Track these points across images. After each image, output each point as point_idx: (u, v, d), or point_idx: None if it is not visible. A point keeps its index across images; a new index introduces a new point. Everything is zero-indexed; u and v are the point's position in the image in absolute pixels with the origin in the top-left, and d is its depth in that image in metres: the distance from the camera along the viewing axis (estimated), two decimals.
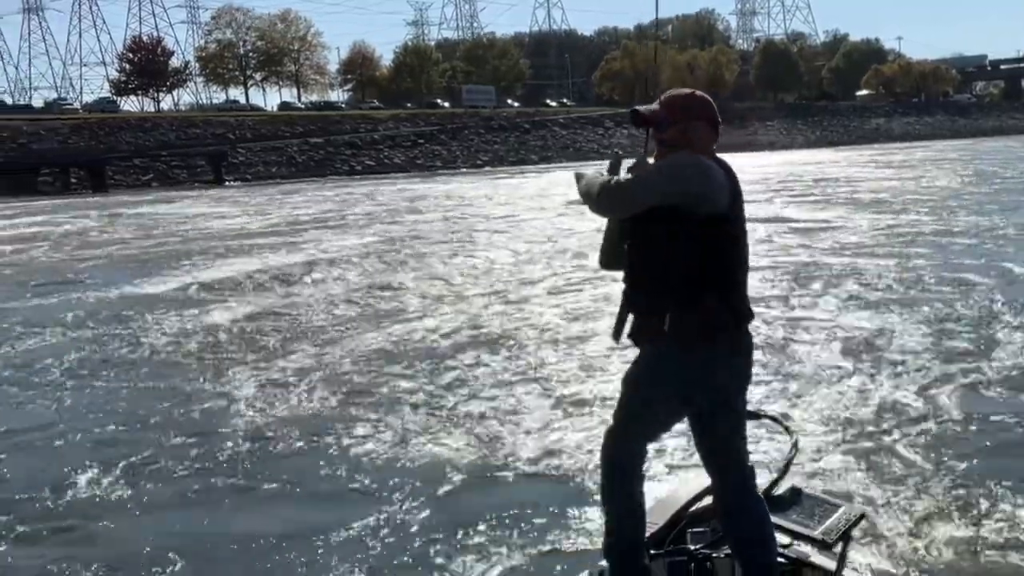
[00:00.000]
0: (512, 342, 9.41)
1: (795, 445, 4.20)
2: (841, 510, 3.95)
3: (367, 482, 5.66)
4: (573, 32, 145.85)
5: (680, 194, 3.20)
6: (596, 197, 3.35)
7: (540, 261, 15.92)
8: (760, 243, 16.06)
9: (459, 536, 4.82)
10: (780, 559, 3.55)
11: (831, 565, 3.67)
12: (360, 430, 6.66)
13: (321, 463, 6.03)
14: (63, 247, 22.13)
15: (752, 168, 43.22)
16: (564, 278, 13.78)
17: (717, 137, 3.46)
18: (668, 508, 3.94)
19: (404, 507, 5.23)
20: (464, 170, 71.44)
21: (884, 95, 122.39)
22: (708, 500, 3.79)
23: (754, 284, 9.99)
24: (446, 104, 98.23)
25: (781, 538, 3.64)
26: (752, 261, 3.51)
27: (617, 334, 3.48)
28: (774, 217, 21.59)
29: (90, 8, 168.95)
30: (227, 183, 63.54)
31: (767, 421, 4.70)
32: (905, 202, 24.85)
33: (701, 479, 3.93)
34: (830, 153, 71.26)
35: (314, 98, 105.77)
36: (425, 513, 5.14)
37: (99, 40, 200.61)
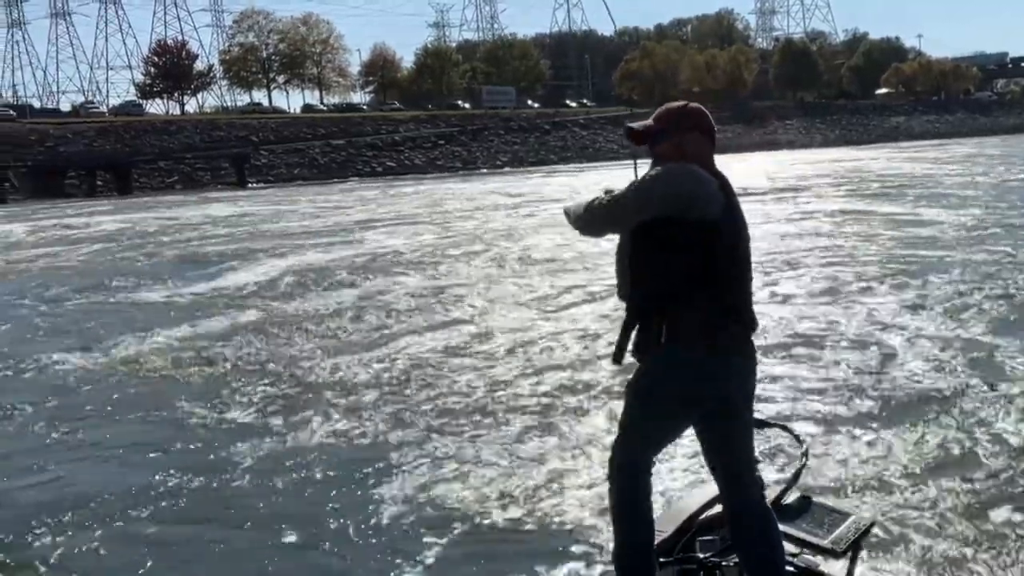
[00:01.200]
0: None
1: (805, 454, 4.15)
2: (851, 519, 3.90)
3: None
4: (593, 32, 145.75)
5: (673, 197, 3.19)
6: (588, 216, 3.37)
7: None
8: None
9: None
10: (789, 568, 3.52)
11: (841, 574, 3.64)
12: None
13: None
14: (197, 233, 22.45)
15: (803, 165, 43.35)
16: None
17: (713, 147, 3.44)
18: (677, 516, 3.92)
19: None
20: (484, 171, 71.62)
21: (904, 93, 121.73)
22: (717, 508, 3.77)
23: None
24: (466, 105, 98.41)
25: (790, 547, 3.60)
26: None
27: (618, 356, 3.42)
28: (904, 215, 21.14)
29: (116, 13, 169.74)
30: (250, 185, 63.94)
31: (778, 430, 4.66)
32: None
33: (710, 487, 3.93)
34: (856, 151, 70.27)
35: (336, 100, 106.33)
36: None
37: (125, 44, 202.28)
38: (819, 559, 3.66)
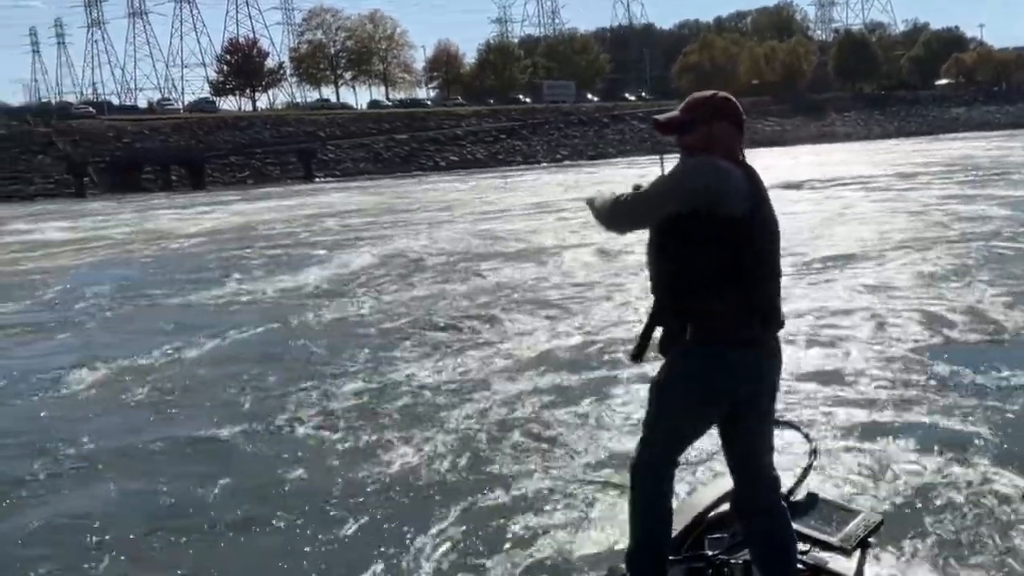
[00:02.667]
0: None
1: (814, 452, 4.10)
2: (860, 517, 3.87)
3: None
4: (652, 26, 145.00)
5: (696, 192, 3.12)
6: (613, 210, 3.29)
7: None
8: None
9: None
10: (799, 565, 3.49)
11: (850, 571, 3.60)
12: None
13: None
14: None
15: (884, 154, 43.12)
16: None
17: (742, 137, 3.35)
18: (686, 514, 3.87)
19: None
20: (544, 164, 71.82)
21: (964, 84, 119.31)
22: (726, 506, 3.74)
23: None
24: (527, 100, 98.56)
25: (799, 544, 3.55)
26: None
27: (638, 354, 3.39)
28: None
29: (191, 11, 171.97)
30: (316, 179, 64.86)
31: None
32: None
33: (719, 485, 3.96)
34: (926, 143, 68.28)
35: (401, 96, 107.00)
36: None
37: (199, 42, 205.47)
38: (828, 556, 3.63)
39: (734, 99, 3.36)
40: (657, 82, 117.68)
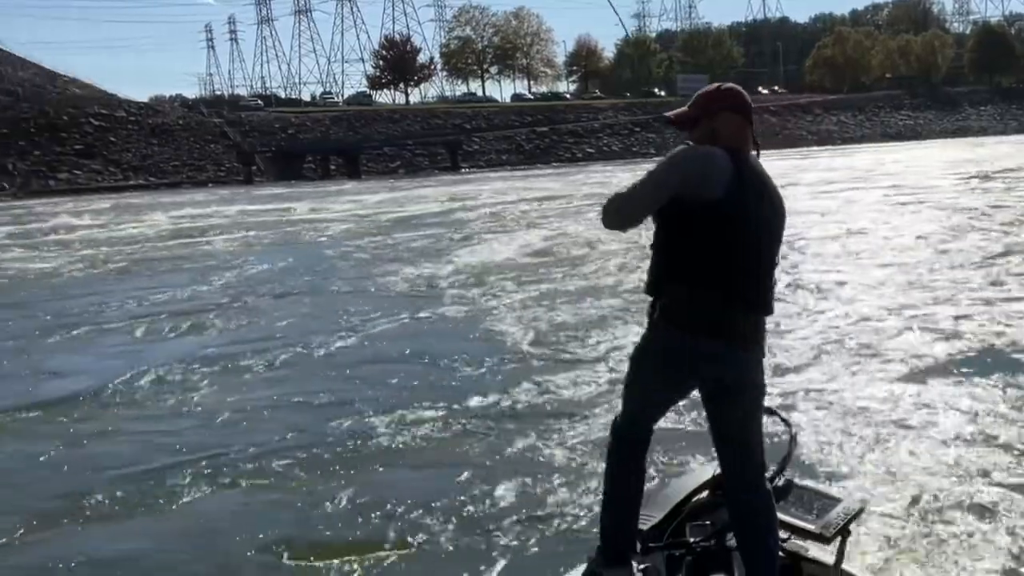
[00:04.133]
0: None
1: (794, 438, 3.89)
2: (841, 504, 3.67)
3: None
4: (787, 20, 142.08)
5: (682, 176, 3.06)
6: (611, 205, 3.15)
7: None
8: None
9: None
10: (779, 552, 3.35)
11: (830, 559, 3.50)
12: None
13: None
14: None
15: None
16: None
17: (750, 125, 3.25)
18: (668, 501, 3.73)
19: None
20: None
21: None
22: (708, 494, 3.68)
23: None
24: (662, 93, 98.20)
25: (779, 532, 3.41)
26: None
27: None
28: None
29: (351, 9, 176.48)
30: (462, 170, 66.35)
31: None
32: None
33: (701, 473, 3.87)
34: None
35: (543, 89, 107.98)
36: None
37: (358, 39, 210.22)
38: (808, 544, 3.51)
39: (741, 90, 3.29)
40: (791, 75, 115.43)
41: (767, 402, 3.49)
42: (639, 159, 69.98)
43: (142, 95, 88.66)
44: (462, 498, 5.36)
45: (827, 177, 35.08)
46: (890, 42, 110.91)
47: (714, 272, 3.09)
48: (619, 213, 3.13)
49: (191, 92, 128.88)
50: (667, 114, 3.36)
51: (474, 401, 7.30)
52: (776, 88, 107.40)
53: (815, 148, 77.05)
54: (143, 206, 39.90)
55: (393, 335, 10.26)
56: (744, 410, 3.26)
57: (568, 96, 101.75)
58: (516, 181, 47.52)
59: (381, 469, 5.98)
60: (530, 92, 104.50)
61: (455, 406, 7.17)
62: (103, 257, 19.84)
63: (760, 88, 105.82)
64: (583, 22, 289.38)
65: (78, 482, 5.98)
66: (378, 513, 5.22)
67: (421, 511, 5.20)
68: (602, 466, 3.55)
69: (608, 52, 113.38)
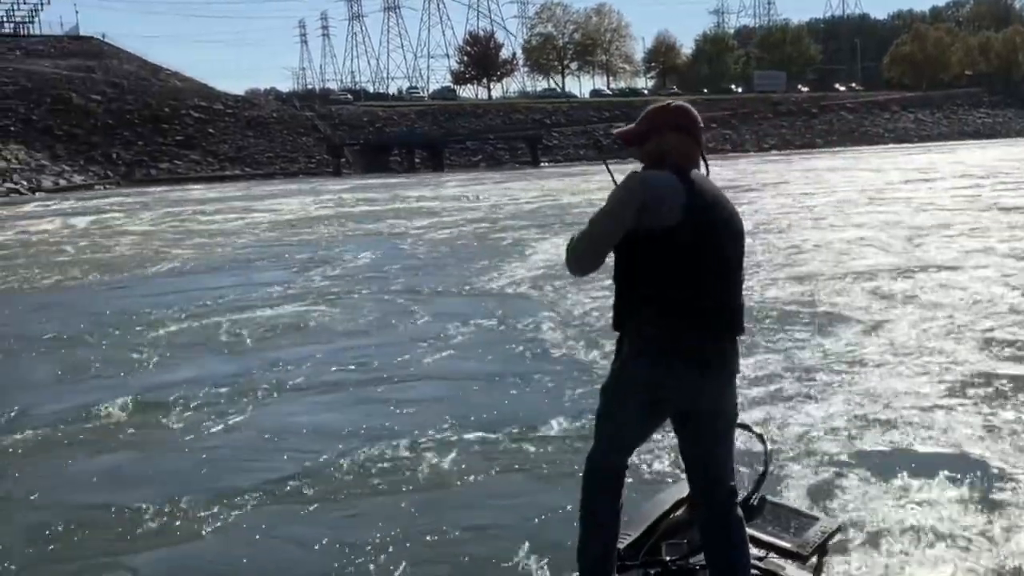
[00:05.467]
0: None
1: (769, 456, 3.77)
2: (818, 523, 3.64)
3: None
4: (866, 16, 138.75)
5: (634, 208, 2.96)
6: (571, 253, 3.10)
7: None
8: None
9: None
10: (754, 571, 3.28)
11: None
12: None
13: None
14: None
15: None
16: None
17: (698, 145, 3.18)
18: (644, 519, 3.64)
19: None
20: (752, 153, 70.60)
21: None
22: (683, 511, 3.58)
23: None
24: (739, 89, 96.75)
25: (755, 550, 3.34)
26: None
27: None
28: None
29: (438, 6, 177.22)
30: (542, 164, 66.15)
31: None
32: None
33: (676, 490, 3.78)
34: None
35: (621, 85, 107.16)
36: None
37: (444, 35, 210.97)
38: (785, 563, 3.42)
39: (689, 108, 3.21)
40: (869, 73, 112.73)
41: (742, 418, 3.44)
42: (714, 155, 68.89)
43: (238, 88, 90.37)
44: None
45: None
46: (970, 39, 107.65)
47: (680, 299, 3.00)
48: (580, 260, 3.07)
49: (284, 86, 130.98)
50: (615, 131, 3.32)
51: None
52: (853, 85, 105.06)
53: (891, 145, 75.12)
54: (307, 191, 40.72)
55: None
56: (715, 433, 3.19)
57: (646, 92, 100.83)
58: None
59: None
60: (608, 88, 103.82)
61: None
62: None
63: (837, 85, 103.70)
64: (663, 18, 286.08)
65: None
66: None
67: None
68: None
69: (687, 48, 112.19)
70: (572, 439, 5.95)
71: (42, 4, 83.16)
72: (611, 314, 3.25)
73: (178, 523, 4.99)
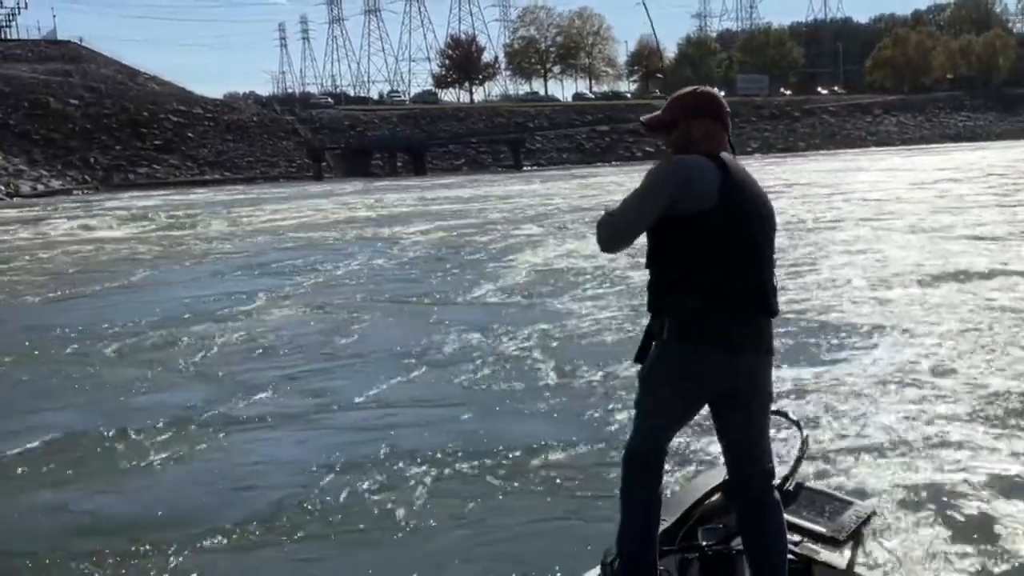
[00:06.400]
0: None
1: (805, 441, 3.78)
2: (852, 508, 3.64)
3: None
4: (849, 20, 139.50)
5: (670, 190, 2.98)
6: (603, 230, 3.14)
7: None
8: None
9: None
10: (790, 556, 3.26)
11: (842, 563, 3.38)
12: None
13: None
14: None
15: None
16: None
17: (725, 131, 3.17)
18: (680, 504, 3.66)
19: None
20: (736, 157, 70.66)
21: None
22: (719, 497, 3.59)
23: None
24: (722, 93, 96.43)
25: (791, 535, 3.33)
26: None
27: (640, 356, 3.24)
28: None
29: (419, 9, 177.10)
30: (524, 168, 66.26)
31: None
32: None
33: (713, 475, 3.78)
34: None
35: (604, 89, 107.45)
36: None
37: (425, 38, 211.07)
38: (820, 547, 3.42)
39: (715, 94, 3.22)
40: (851, 76, 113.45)
41: (778, 405, 3.42)
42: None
43: (217, 92, 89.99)
44: None
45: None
46: (951, 43, 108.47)
47: (716, 282, 3.00)
48: (612, 238, 3.11)
49: (264, 90, 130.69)
50: (642, 118, 3.31)
51: None
52: (836, 88, 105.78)
53: (872, 149, 75.65)
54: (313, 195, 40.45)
55: None
56: (752, 416, 3.19)
57: (628, 95, 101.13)
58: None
59: None
60: (591, 91, 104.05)
61: None
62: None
63: (820, 88, 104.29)
64: (645, 21, 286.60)
65: None
66: None
67: None
68: None
69: (670, 52, 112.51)
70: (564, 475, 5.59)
71: (19, 8, 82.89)
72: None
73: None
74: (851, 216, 21.20)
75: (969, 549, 4.31)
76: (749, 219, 3.06)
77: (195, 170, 62.95)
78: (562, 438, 6.13)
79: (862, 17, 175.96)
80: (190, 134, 66.57)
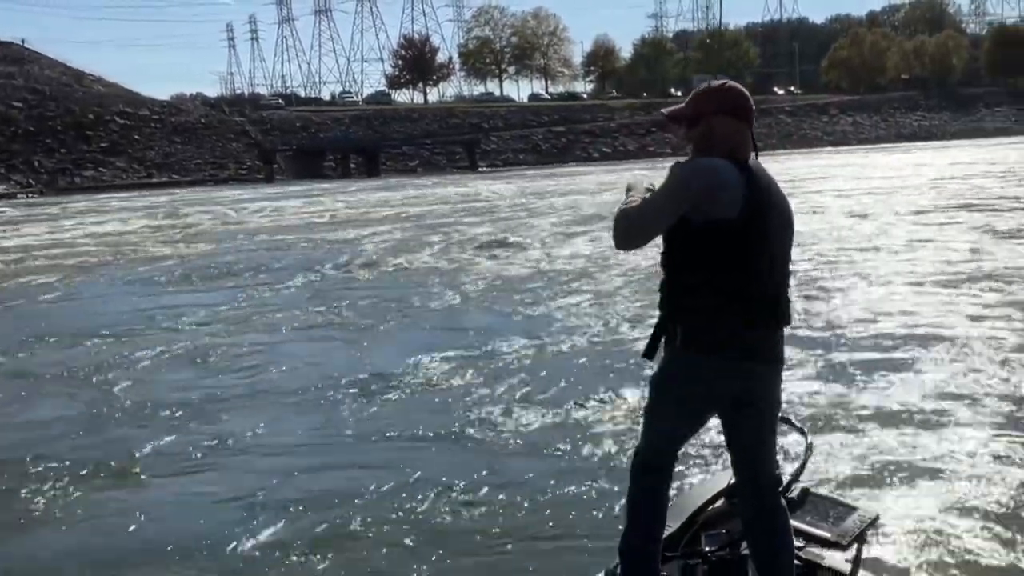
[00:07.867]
0: None
1: (809, 447, 3.87)
2: (856, 513, 3.67)
3: None
4: (805, 20, 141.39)
5: (691, 196, 2.93)
6: (620, 225, 3.05)
7: None
8: None
9: None
10: (795, 560, 3.32)
11: (845, 568, 3.44)
12: None
13: None
14: None
15: None
16: None
17: (749, 129, 3.08)
18: (683, 510, 3.68)
19: None
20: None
21: None
22: (723, 503, 3.66)
23: None
24: (679, 93, 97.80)
25: (795, 540, 3.36)
26: None
27: (648, 352, 3.21)
28: None
29: (370, 9, 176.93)
30: (480, 168, 66.34)
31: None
32: None
33: (716, 481, 3.85)
34: None
35: (560, 89, 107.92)
36: None
37: (377, 38, 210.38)
38: (824, 552, 3.47)
39: (742, 90, 3.11)
40: (807, 76, 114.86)
41: (784, 411, 3.44)
42: (656, 159, 69.87)
43: (163, 94, 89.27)
44: None
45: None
46: (905, 43, 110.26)
47: (737, 287, 2.98)
48: (628, 233, 3.03)
49: (212, 91, 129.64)
50: (663, 111, 3.27)
51: None
52: (792, 89, 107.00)
53: (828, 148, 76.64)
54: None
55: None
56: (760, 422, 3.20)
57: (585, 96, 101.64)
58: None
59: None
60: (547, 92, 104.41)
61: None
62: None
63: (776, 88, 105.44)
64: (601, 22, 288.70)
65: None
66: None
67: None
68: None
69: (625, 52, 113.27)
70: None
71: None
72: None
73: None
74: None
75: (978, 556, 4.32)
76: (771, 228, 3.03)
77: (142, 173, 62.22)
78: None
79: (818, 17, 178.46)
80: (137, 136, 65.81)
